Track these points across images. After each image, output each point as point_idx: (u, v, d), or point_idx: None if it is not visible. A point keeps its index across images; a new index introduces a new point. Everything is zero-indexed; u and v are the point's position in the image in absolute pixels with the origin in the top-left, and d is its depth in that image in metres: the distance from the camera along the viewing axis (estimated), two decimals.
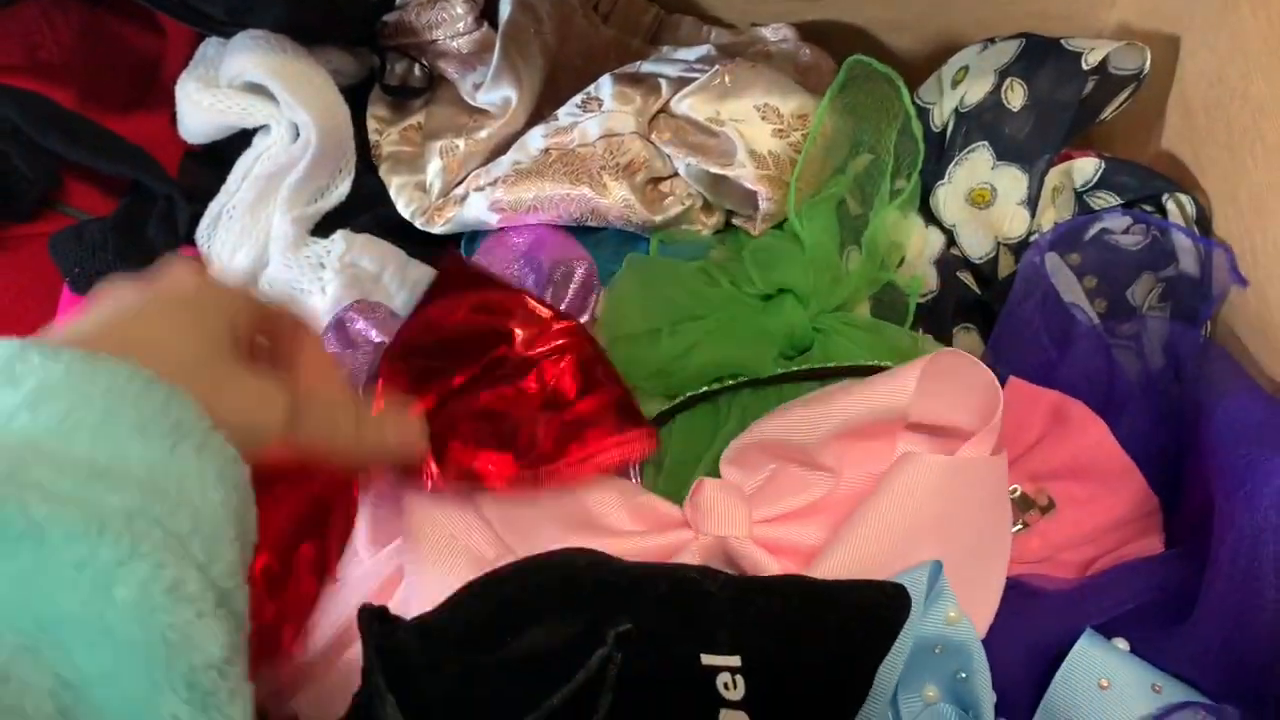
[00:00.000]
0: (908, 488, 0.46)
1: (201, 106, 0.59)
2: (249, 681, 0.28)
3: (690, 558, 0.47)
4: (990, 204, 0.60)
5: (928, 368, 0.47)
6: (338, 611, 0.52)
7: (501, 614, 0.41)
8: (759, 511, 0.48)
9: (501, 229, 0.60)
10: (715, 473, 0.50)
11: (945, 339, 0.59)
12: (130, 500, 0.27)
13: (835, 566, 0.46)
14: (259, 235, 0.59)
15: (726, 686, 0.40)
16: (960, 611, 0.46)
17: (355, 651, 0.49)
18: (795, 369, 0.54)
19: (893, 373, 0.47)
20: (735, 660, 0.40)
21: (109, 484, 0.27)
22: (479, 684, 0.40)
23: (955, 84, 0.62)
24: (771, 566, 0.47)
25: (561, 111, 0.61)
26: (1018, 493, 0.51)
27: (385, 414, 0.45)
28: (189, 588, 0.26)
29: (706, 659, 0.40)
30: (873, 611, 0.42)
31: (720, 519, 0.47)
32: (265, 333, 0.40)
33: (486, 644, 0.41)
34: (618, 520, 0.49)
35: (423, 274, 0.61)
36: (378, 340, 0.55)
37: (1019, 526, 0.50)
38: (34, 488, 0.25)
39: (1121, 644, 0.47)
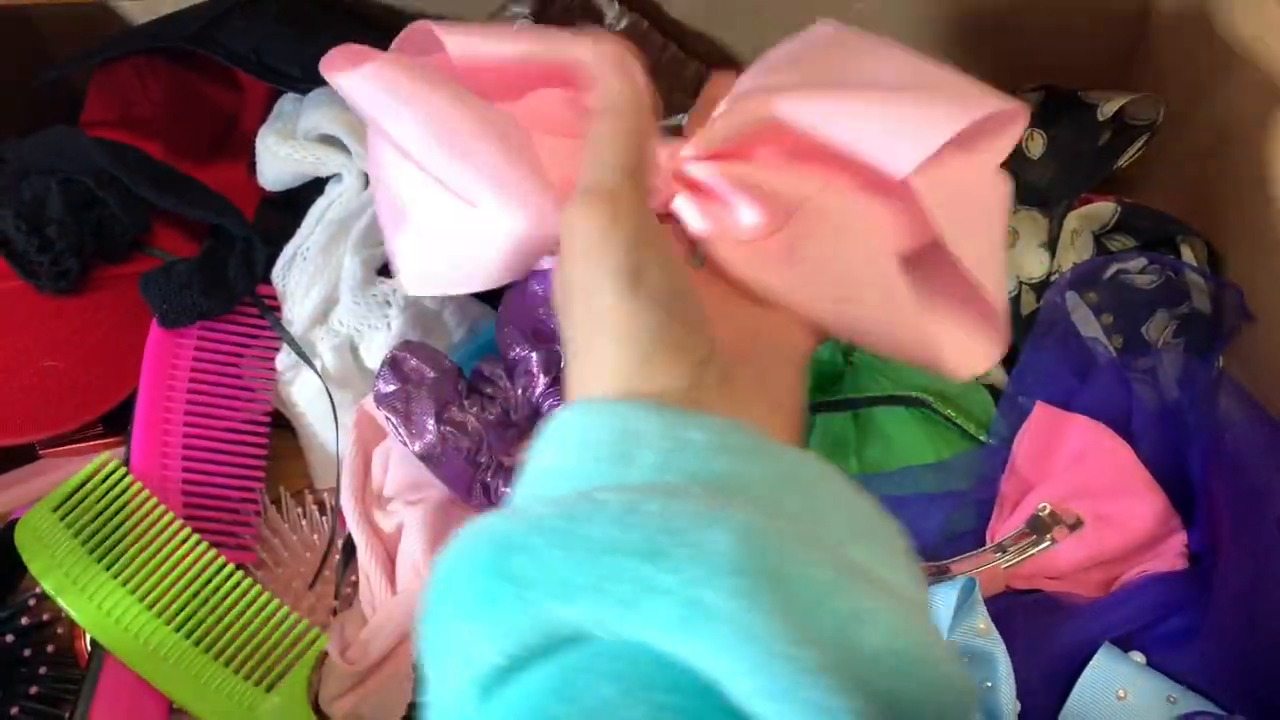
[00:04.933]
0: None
1: (279, 157, 0.64)
2: None
3: None
4: (1013, 246, 0.63)
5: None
6: (396, 621, 0.55)
7: None
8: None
9: (525, 280, 0.64)
10: None
11: None
12: None
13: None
14: (330, 275, 0.63)
15: None
16: (990, 624, 0.49)
17: (410, 659, 0.53)
18: (827, 399, 0.57)
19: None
20: None
21: None
22: None
23: None
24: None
25: None
26: (1047, 510, 0.54)
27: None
28: None
29: None
30: None
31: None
32: None
33: None
34: None
35: (480, 312, 0.66)
36: (432, 376, 0.58)
37: (1047, 543, 0.53)
38: None
39: (1138, 656, 0.49)
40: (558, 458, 0.28)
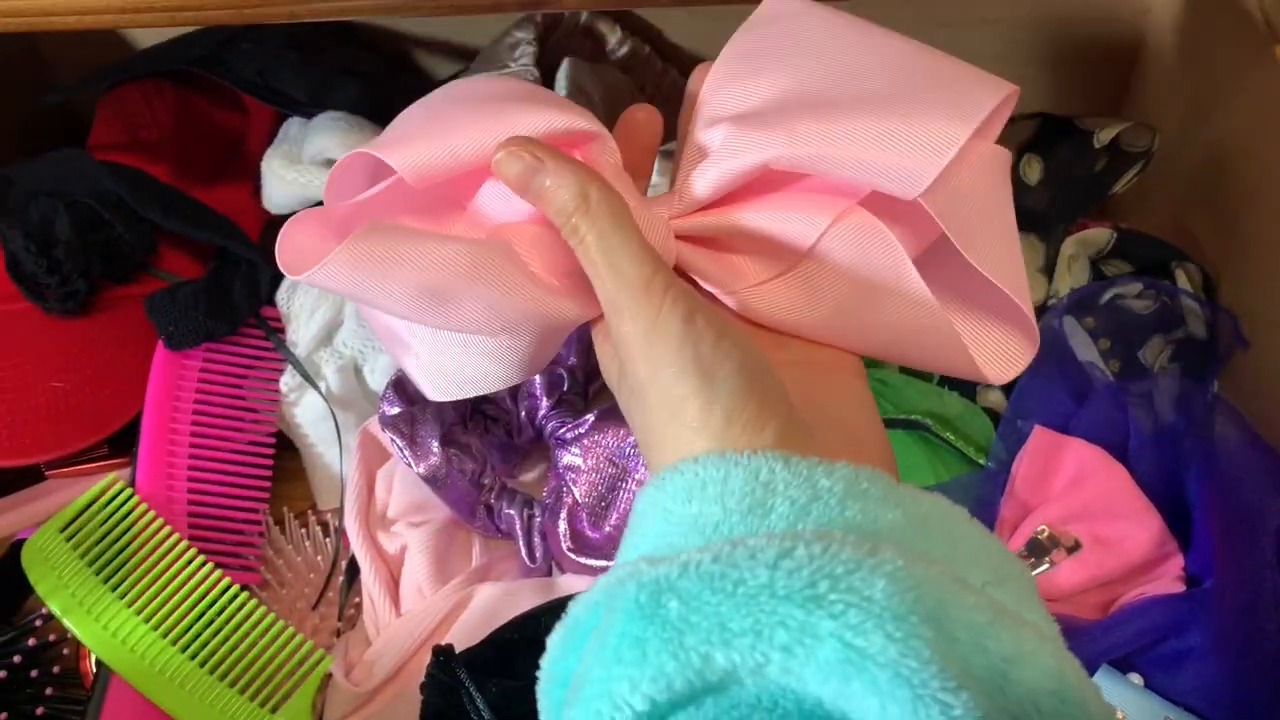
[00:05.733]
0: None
1: (285, 180, 0.65)
2: None
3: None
4: None
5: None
6: (400, 642, 0.56)
7: (532, 646, 0.46)
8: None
9: None
10: None
11: (970, 395, 0.63)
12: None
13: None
14: (335, 297, 0.64)
15: None
16: None
17: (414, 680, 0.53)
18: None
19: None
20: None
21: None
22: (515, 704, 0.46)
23: None
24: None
25: None
26: (1045, 533, 0.54)
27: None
28: None
29: None
30: None
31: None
32: None
33: (520, 671, 0.45)
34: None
35: None
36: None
37: (1046, 565, 0.54)
38: None
39: (1136, 679, 0.50)
40: (687, 506, 0.27)
